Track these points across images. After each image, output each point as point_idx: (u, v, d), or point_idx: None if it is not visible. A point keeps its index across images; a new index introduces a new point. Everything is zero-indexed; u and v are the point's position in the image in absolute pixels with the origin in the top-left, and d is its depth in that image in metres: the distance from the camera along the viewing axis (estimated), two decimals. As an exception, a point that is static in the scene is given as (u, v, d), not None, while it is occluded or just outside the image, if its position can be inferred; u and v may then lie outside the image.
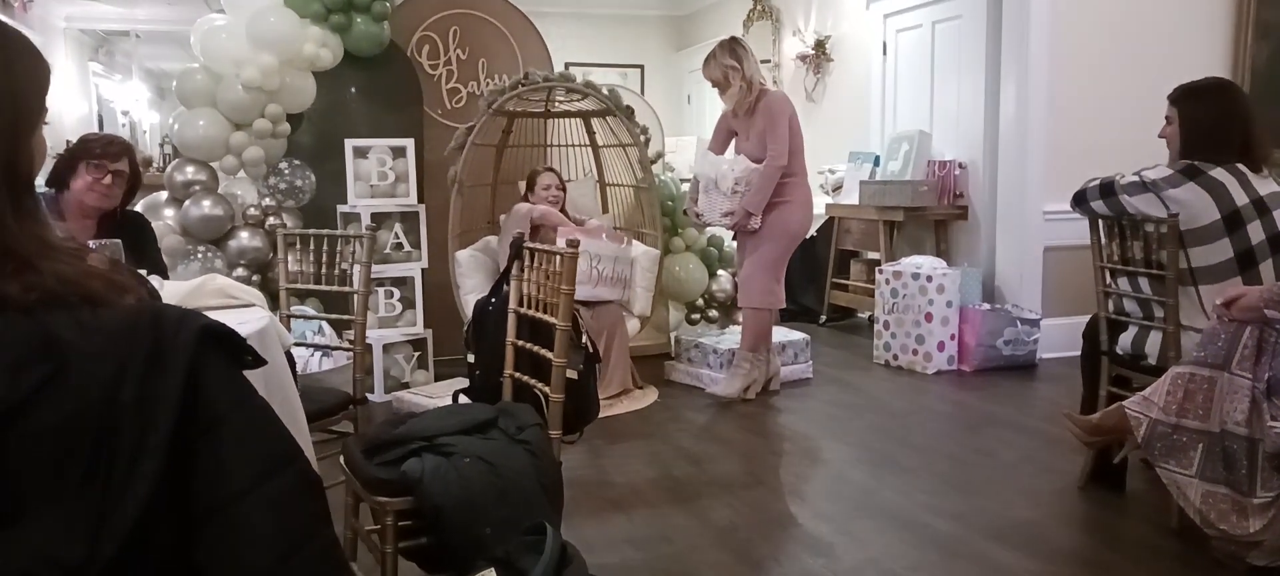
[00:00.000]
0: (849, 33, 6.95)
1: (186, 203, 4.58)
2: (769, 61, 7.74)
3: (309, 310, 4.10)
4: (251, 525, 0.93)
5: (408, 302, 4.71)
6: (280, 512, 0.95)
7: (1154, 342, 2.92)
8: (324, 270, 3.03)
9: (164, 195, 4.76)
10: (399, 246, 4.73)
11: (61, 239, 0.98)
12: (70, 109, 7.95)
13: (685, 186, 5.69)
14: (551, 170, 4.69)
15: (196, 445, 0.91)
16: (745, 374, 4.44)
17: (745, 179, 4.29)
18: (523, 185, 4.65)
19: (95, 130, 7.97)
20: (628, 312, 4.62)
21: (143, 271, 2.07)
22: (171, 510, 0.91)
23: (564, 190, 4.67)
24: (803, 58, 7.42)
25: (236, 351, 0.97)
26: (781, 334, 4.88)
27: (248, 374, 0.99)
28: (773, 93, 4.42)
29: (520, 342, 2.38)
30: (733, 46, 4.42)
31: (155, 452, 0.88)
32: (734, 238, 5.71)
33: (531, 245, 2.37)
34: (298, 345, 3.27)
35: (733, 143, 4.55)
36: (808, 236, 6.20)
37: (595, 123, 5.15)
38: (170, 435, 0.88)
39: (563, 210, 4.59)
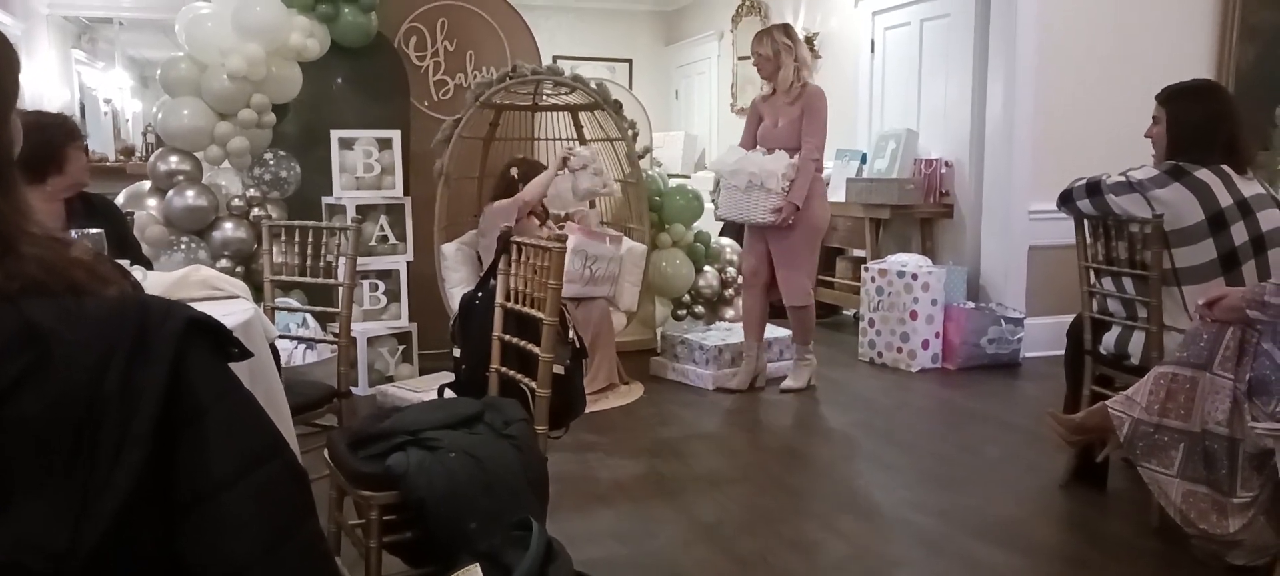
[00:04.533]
0: (837, 30, 6.96)
1: (170, 193, 4.54)
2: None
3: (293, 302, 4.08)
4: (235, 516, 0.92)
5: (392, 295, 4.69)
6: (264, 504, 0.94)
7: (1137, 342, 2.94)
8: (309, 262, 3.01)
9: (147, 185, 4.72)
10: (384, 239, 4.71)
11: (43, 227, 0.97)
12: (52, 97, 7.86)
13: (674, 182, 5.70)
14: (546, 167, 4.64)
15: (180, 436, 0.91)
16: (809, 365, 4.63)
17: (789, 176, 4.29)
18: (515, 172, 4.52)
19: (69, 115, 7.89)
20: (614, 307, 4.62)
21: (125, 261, 2.05)
22: (155, 500, 0.90)
23: None
24: (791, 54, 7.42)
25: (222, 343, 0.96)
26: (767, 331, 4.89)
27: (233, 366, 0.98)
28: (815, 85, 4.43)
29: (507, 337, 2.37)
30: (787, 28, 4.49)
31: (139, 442, 0.87)
32: (722, 231, 5.74)
33: (520, 239, 2.36)
34: (282, 337, 3.25)
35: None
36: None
37: (583, 117, 5.14)
38: (154, 425, 0.88)
39: (542, 207, 4.53)
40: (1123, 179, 2.90)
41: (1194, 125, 2.87)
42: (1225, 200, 2.76)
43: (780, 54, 4.35)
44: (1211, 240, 2.76)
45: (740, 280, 5.36)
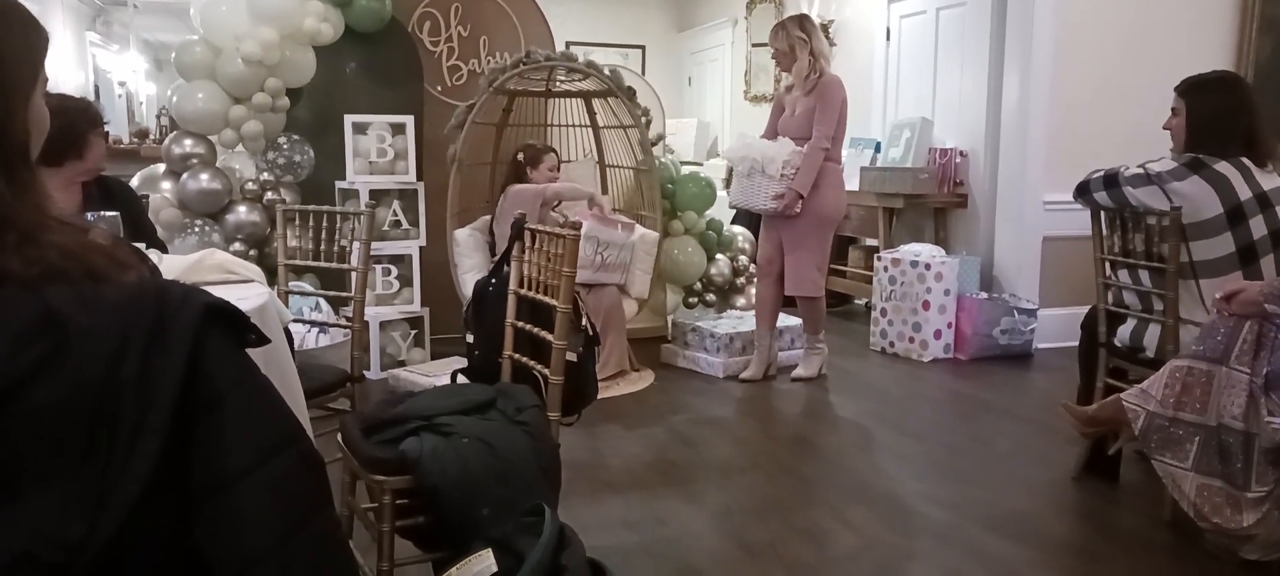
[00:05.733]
0: (853, 17, 6.92)
1: (184, 176, 4.56)
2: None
3: (307, 286, 4.09)
4: (252, 505, 0.92)
5: (405, 280, 4.70)
6: (281, 494, 0.94)
7: (1152, 335, 2.93)
8: (322, 246, 3.02)
9: (161, 168, 4.74)
10: (397, 224, 4.72)
11: (61, 212, 0.97)
12: (66, 79, 7.89)
13: (686, 169, 5.69)
14: (553, 150, 4.69)
15: (198, 423, 0.90)
16: (820, 354, 4.62)
17: (792, 163, 4.29)
18: (521, 157, 4.59)
19: (91, 99, 7.91)
20: (625, 295, 4.62)
21: (140, 244, 2.06)
22: (172, 488, 0.90)
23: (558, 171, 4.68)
24: (805, 42, 7.37)
25: (240, 329, 0.96)
26: (779, 320, 4.88)
27: (248, 351, 0.98)
28: (831, 75, 4.41)
29: (520, 324, 2.38)
30: (801, 20, 4.48)
31: (156, 430, 0.87)
32: (733, 219, 5.73)
33: (534, 226, 2.36)
34: (295, 321, 3.26)
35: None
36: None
37: (596, 103, 5.13)
38: (172, 412, 0.87)
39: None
40: (1140, 171, 2.88)
41: (1213, 117, 2.85)
42: (1244, 193, 2.74)
43: (795, 47, 4.34)
44: (1229, 233, 2.74)
45: (752, 268, 5.36)
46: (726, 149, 4.81)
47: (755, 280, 4.90)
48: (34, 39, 0.99)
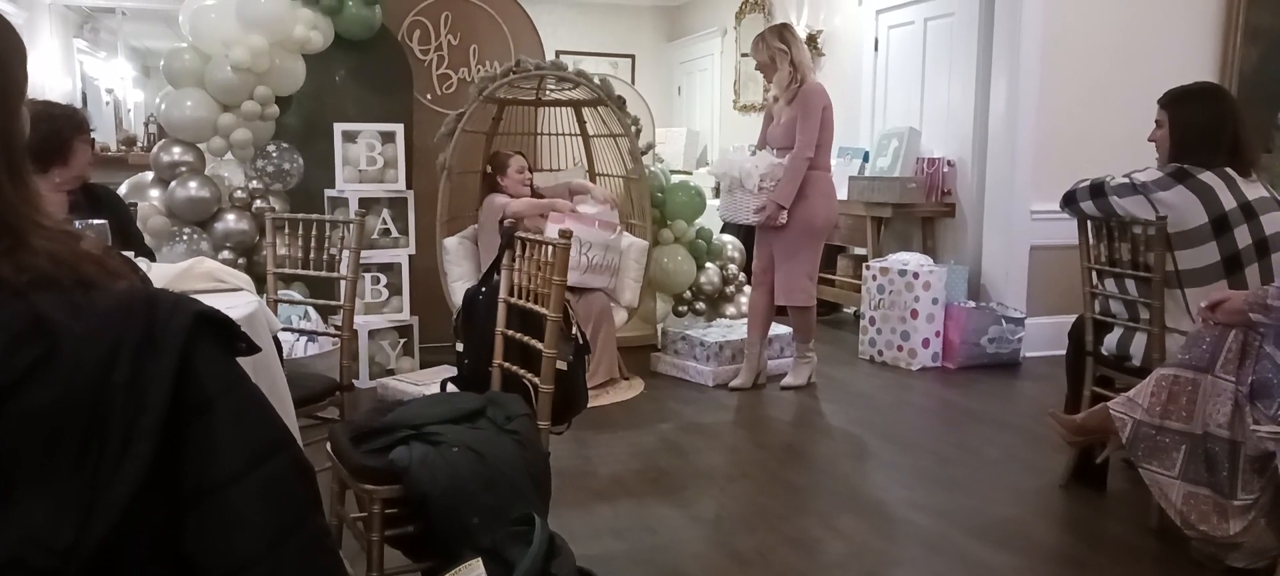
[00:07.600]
0: (841, 28, 6.95)
1: (173, 184, 4.54)
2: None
3: (295, 294, 4.08)
4: (242, 511, 0.92)
5: (394, 289, 4.69)
6: (271, 499, 0.94)
7: (1139, 344, 2.95)
8: (311, 255, 3.01)
9: (150, 176, 4.72)
10: (386, 232, 4.71)
11: (54, 219, 0.97)
12: (53, 86, 7.85)
13: (676, 178, 5.70)
14: (520, 154, 4.69)
15: (188, 429, 0.91)
16: (810, 363, 4.64)
17: (771, 175, 4.30)
18: (489, 168, 4.64)
19: (77, 106, 7.88)
20: (615, 303, 4.62)
21: (129, 252, 2.05)
22: (162, 494, 0.90)
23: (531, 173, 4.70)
24: (794, 52, 7.40)
25: (230, 337, 0.96)
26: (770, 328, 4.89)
27: (237, 359, 0.98)
28: (811, 82, 4.38)
29: (510, 332, 2.38)
30: (781, 30, 4.47)
31: (147, 436, 0.87)
32: (722, 229, 5.74)
33: (524, 234, 2.36)
34: (284, 330, 3.25)
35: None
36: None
37: (586, 112, 5.14)
38: (162, 418, 0.88)
39: (533, 191, 4.62)
40: (1126, 181, 2.90)
41: (1197, 128, 2.87)
42: (1229, 203, 2.76)
43: (775, 58, 4.36)
44: (1214, 243, 2.76)
45: (742, 277, 5.38)
46: (712, 166, 4.84)
47: (750, 289, 4.90)
48: (20, 41, 1.00)
